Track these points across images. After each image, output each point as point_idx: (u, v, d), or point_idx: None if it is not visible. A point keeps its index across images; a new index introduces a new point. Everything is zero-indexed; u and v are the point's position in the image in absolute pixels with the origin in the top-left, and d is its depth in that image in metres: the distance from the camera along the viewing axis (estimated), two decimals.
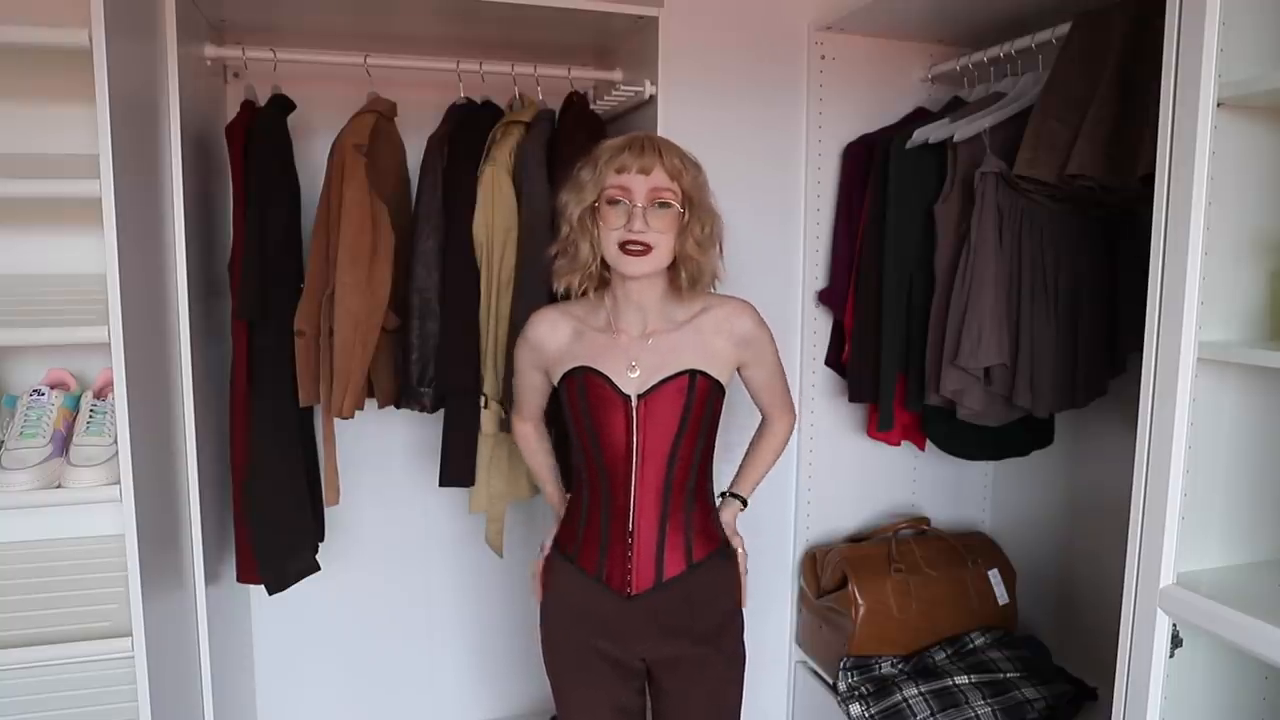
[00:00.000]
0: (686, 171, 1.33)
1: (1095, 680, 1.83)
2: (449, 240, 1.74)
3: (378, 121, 1.71)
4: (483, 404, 1.77)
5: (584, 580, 1.42)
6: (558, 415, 1.54)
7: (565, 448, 1.54)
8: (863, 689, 1.85)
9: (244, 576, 1.76)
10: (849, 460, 2.13)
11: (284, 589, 1.75)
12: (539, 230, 1.73)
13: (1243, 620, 1.09)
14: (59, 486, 1.39)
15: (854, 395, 1.96)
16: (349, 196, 1.62)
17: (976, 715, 1.74)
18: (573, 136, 1.80)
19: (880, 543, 2.04)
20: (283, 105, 1.73)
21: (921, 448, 2.07)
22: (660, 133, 1.73)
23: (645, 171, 1.30)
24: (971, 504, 2.28)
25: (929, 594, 1.95)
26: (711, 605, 1.44)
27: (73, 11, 1.26)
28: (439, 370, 1.76)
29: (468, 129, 1.79)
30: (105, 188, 1.28)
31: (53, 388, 1.49)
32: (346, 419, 1.70)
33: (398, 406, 1.82)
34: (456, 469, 1.80)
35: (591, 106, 1.94)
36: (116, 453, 1.36)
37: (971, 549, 2.05)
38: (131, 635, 1.37)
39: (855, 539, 2.13)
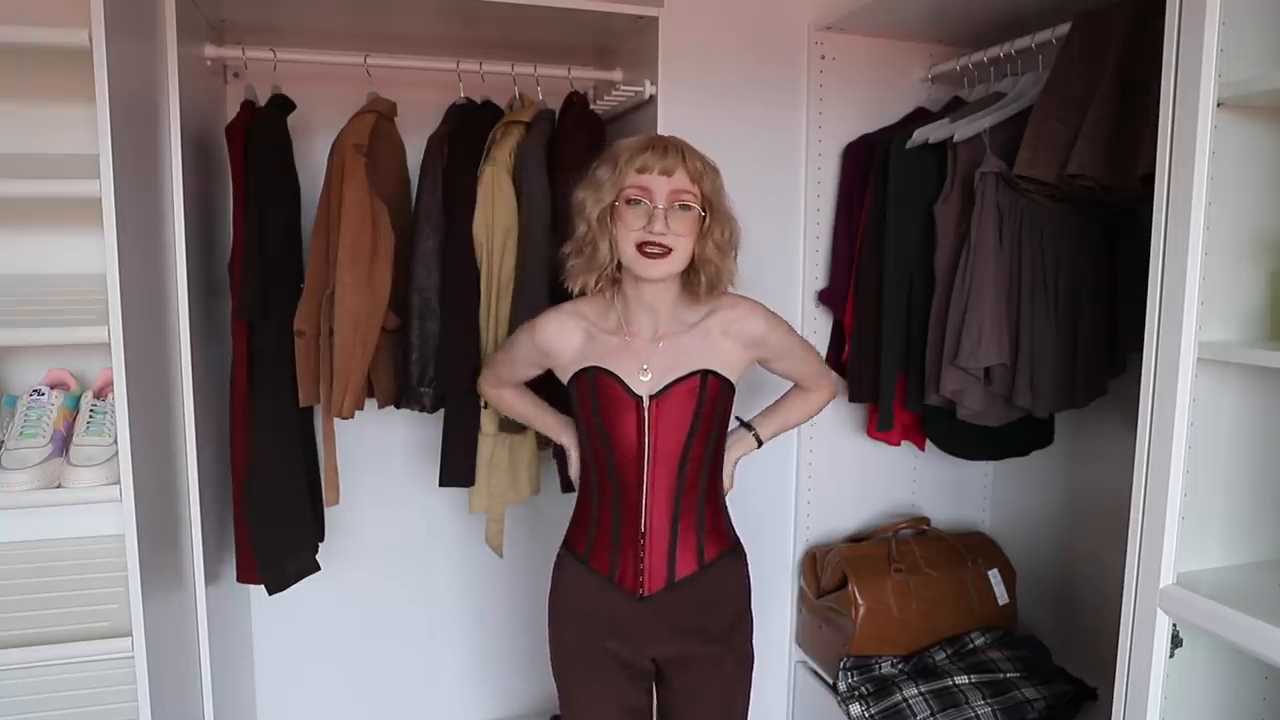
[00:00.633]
0: (707, 175, 1.32)
1: (1095, 680, 1.83)
2: (449, 240, 1.74)
3: (378, 121, 1.71)
4: (483, 404, 1.77)
5: (596, 581, 1.42)
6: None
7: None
8: (863, 689, 1.85)
9: (244, 576, 1.76)
10: (849, 460, 2.13)
11: (284, 589, 1.75)
12: (539, 230, 1.73)
13: (1243, 620, 1.09)
14: (59, 486, 1.39)
15: (854, 395, 1.96)
16: (349, 196, 1.62)
17: (976, 715, 1.74)
18: (573, 136, 1.80)
19: (880, 543, 2.04)
20: (283, 105, 1.73)
21: (921, 448, 2.07)
22: (660, 133, 1.73)
23: (667, 173, 1.29)
24: (971, 504, 2.28)
25: (929, 594, 1.95)
26: (723, 605, 1.45)
27: (73, 11, 1.26)
28: (439, 370, 1.76)
29: (468, 129, 1.79)
30: (105, 188, 1.28)
31: (53, 388, 1.49)
32: (346, 419, 1.70)
33: (398, 406, 1.82)
34: (456, 469, 1.80)
35: (591, 106, 1.94)
36: (116, 453, 1.36)
37: (971, 549, 2.05)
38: (131, 635, 1.37)
39: (855, 539, 2.13)
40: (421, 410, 1.80)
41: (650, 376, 1.36)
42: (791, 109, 2.00)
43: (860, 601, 1.89)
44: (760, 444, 1.56)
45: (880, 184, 1.86)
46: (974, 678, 1.82)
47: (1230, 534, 1.23)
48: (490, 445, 1.82)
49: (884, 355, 1.85)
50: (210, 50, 1.75)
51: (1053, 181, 1.53)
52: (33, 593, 1.53)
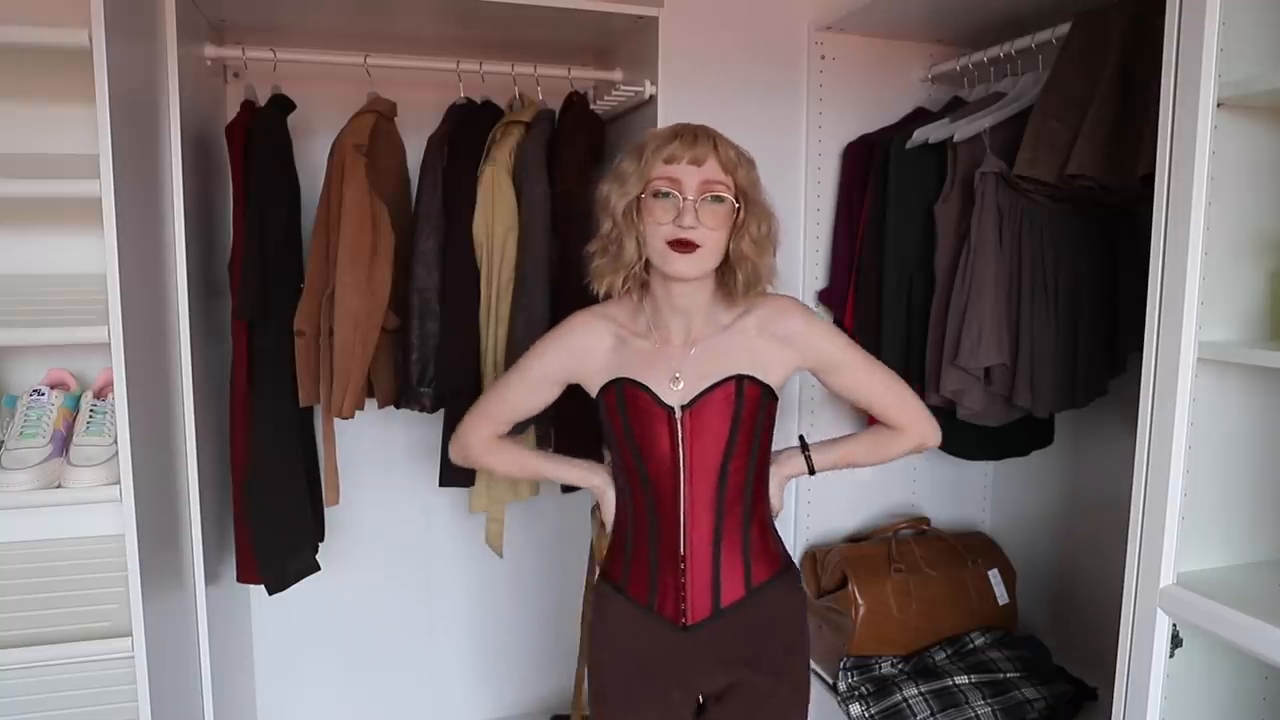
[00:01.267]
0: (742, 165, 1.22)
1: (1095, 680, 1.83)
2: (449, 240, 1.74)
3: (378, 121, 1.71)
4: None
5: (635, 612, 1.31)
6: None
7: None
8: (863, 689, 1.85)
9: (244, 576, 1.76)
10: None
11: (284, 589, 1.75)
12: (539, 230, 1.74)
13: (1243, 620, 1.09)
14: (59, 486, 1.39)
15: None
16: (349, 196, 1.62)
17: (976, 715, 1.74)
18: (573, 136, 1.80)
19: (880, 543, 2.04)
20: (283, 105, 1.73)
21: None
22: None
23: (697, 163, 1.18)
24: (971, 504, 2.28)
25: (929, 594, 1.95)
26: (776, 633, 1.32)
27: (73, 11, 1.26)
28: (439, 370, 1.76)
29: (468, 129, 1.79)
30: (105, 188, 1.28)
31: (53, 388, 1.49)
32: (346, 419, 1.70)
33: (398, 406, 1.82)
34: (456, 469, 1.80)
35: (591, 106, 1.94)
36: (116, 453, 1.36)
37: (971, 549, 2.05)
38: (131, 635, 1.37)
39: (855, 539, 2.13)
40: (421, 410, 1.80)
41: (683, 385, 1.26)
42: (791, 109, 2.00)
43: (860, 601, 1.89)
44: (813, 471, 1.40)
45: (880, 184, 1.86)
46: (974, 678, 1.82)
47: (1230, 534, 1.23)
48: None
49: (884, 355, 1.84)
50: (210, 50, 1.75)
51: (1053, 181, 1.53)
52: (33, 593, 1.53)
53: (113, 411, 1.37)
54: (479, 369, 1.78)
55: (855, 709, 1.82)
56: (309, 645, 2.20)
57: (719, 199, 1.20)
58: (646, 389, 1.26)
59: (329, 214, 1.67)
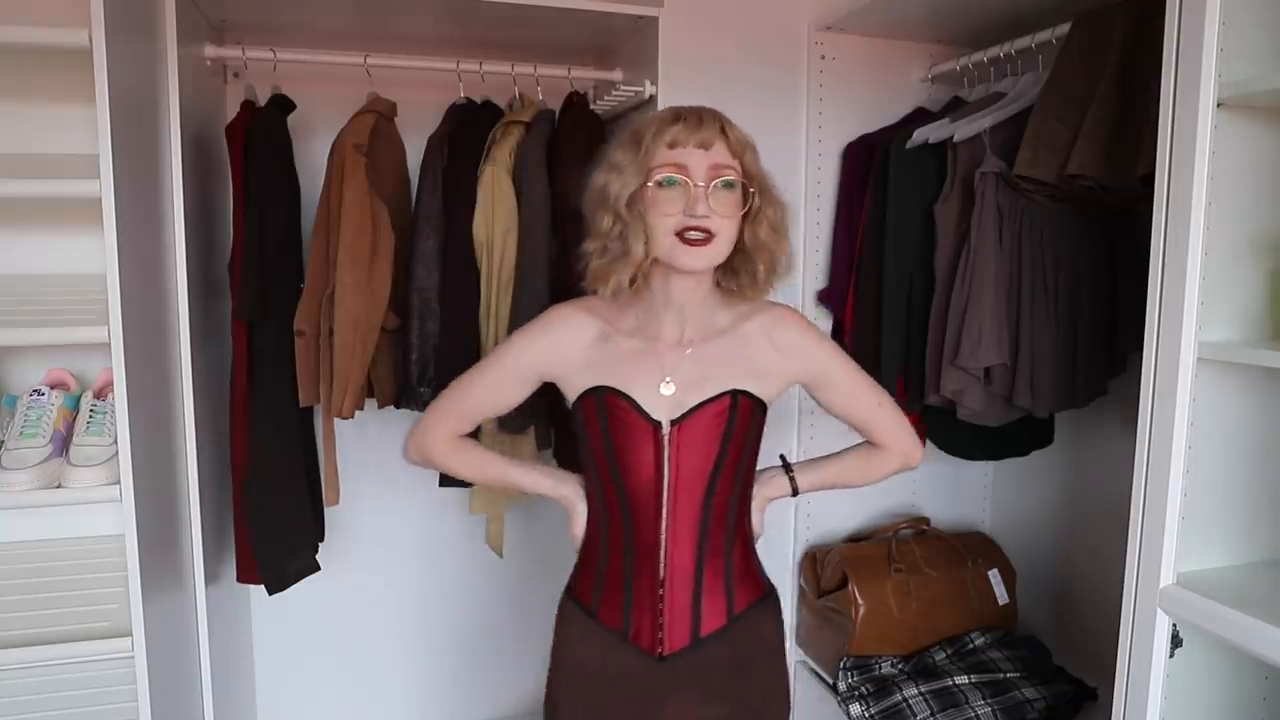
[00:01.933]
0: (749, 149, 1.14)
1: (1095, 680, 1.83)
2: (449, 240, 1.74)
3: (378, 121, 1.71)
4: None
5: (608, 639, 1.22)
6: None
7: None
8: (863, 689, 1.85)
9: (244, 576, 1.76)
10: None
11: (284, 589, 1.75)
12: (539, 230, 1.73)
13: (1242, 620, 1.09)
14: (59, 486, 1.39)
15: None
16: (349, 196, 1.62)
17: (976, 715, 1.74)
18: (573, 136, 1.80)
19: (880, 543, 2.04)
20: (283, 105, 1.73)
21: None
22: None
23: (705, 146, 1.09)
24: (971, 504, 2.28)
25: (929, 594, 1.95)
26: (756, 663, 1.24)
27: (73, 11, 1.26)
28: (439, 370, 1.76)
29: (468, 129, 1.79)
30: (105, 188, 1.28)
31: (53, 388, 1.49)
32: (346, 419, 1.70)
33: (398, 406, 1.82)
34: None
35: (591, 106, 1.94)
36: (116, 453, 1.36)
37: (971, 549, 2.05)
38: (131, 635, 1.37)
39: (855, 539, 2.13)
40: (422, 410, 1.79)
41: (674, 391, 1.16)
42: (791, 109, 2.00)
43: (860, 601, 1.89)
44: (796, 492, 1.32)
45: (880, 184, 1.86)
46: (974, 678, 1.82)
47: (1230, 534, 1.23)
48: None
49: (884, 355, 1.85)
50: (210, 50, 1.75)
51: (1053, 181, 1.53)
52: (33, 593, 1.53)
53: (113, 411, 1.37)
54: None
55: (855, 709, 1.82)
56: (309, 645, 2.20)
57: (730, 184, 1.10)
58: (631, 400, 1.16)
59: (329, 214, 1.67)
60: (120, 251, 1.31)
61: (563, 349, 1.21)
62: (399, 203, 1.80)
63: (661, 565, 1.18)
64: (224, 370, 1.80)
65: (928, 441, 2.00)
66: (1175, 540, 1.19)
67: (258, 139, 1.67)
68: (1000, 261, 1.62)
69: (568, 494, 1.29)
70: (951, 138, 1.70)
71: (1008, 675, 1.84)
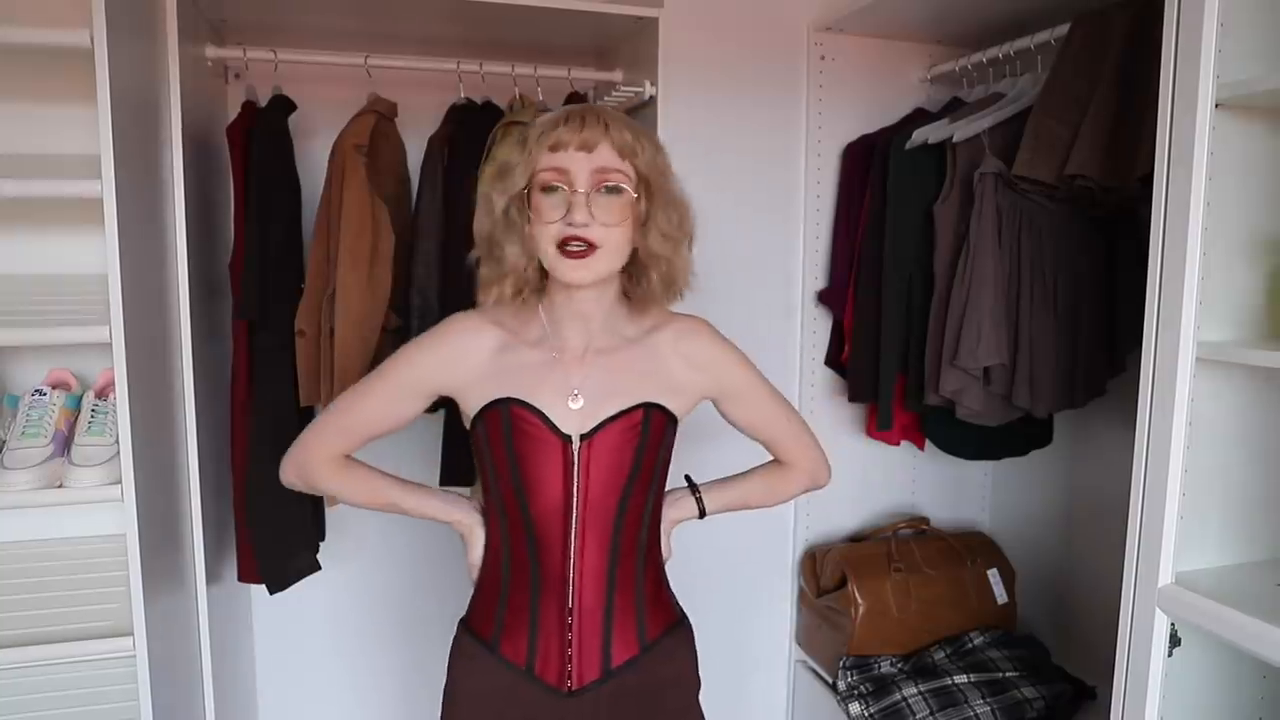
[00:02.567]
0: (642, 149, 1.04)
1: (1094, 679, 1.84)
2: (449, 240, 1.75)
3: (378, 122, 1.71)
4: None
5: (509, 675, 1.13)
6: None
7: None
8: (862, 688, 1.85)
9: (244, 576, 1.76)
10: (848, 460, 2.13)
11: (285, 589, 1.75)
12: None
13: (1241, 620, 1.09)
14: (60, 486, 1.39)
15: (854, 395, 1.96)
16: (349, 197, 1.63)
17: (975, 714, 1.74)
18: None
19: (880, 542, 2.04)
20: (283, 106, 1.73)
21: (921, 448, 2.07)
22: (660, 133, 1.72)
23: (587, 148, 1.01)
24: (971, 504, 2.28)
25: (928, 594, 1.95)
26: (669, 695, 1.19)
27: (73, 11, 1.26)
28: None
29: (468, 129, 1.79)
30: (106, 188, 1.28)
31: (54, 388, 1.50)
32: None
33: None
34: (457, 468, 1.81)
35: None
36: (118, 452, 1.36)
37: (971, 549, 2.06)
38: (132, 635, 1.38)
39: (855, 539, 2.14)
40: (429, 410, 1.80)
41: (582, 404, 1.09)
42: (791, 109, 2.00)
43: (860, 601, 1.90)
44: (703, 514, 1.26)
45: (880, 184, 1.86)
46: (973, 677, 1.82)
47: (1228, 534, 1.23)
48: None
49: (883, 355, 1.86)
50: (211, 51, 1.75)
51: (1052, 182, 1.53)
52: (34, 592, 1.53)
53: (114, 411, 1.37)
54: None
55: (855, 708, 1.82)
56: (309, 645, 2.20)
57: (615, 189, 1.03)
58: (538, 411, 1.08)
59: (329, 214, 1.67)
60: (121, 251, 1.31)
61: (462, 361, 1.12)
62: (399, 203, 1.80)
63: (570, 593, 1.11)
64: (224, 370, 1.80)
65: (927, 442, 2.00)
66: (1174, 539, 1.19)
67: (259, 139, 1.67)
68: (999, 261, 1.63)
69: (461, 519, 1.21)
70: (951, 138, 1.71)
71: (1007, 674, 1.84)
